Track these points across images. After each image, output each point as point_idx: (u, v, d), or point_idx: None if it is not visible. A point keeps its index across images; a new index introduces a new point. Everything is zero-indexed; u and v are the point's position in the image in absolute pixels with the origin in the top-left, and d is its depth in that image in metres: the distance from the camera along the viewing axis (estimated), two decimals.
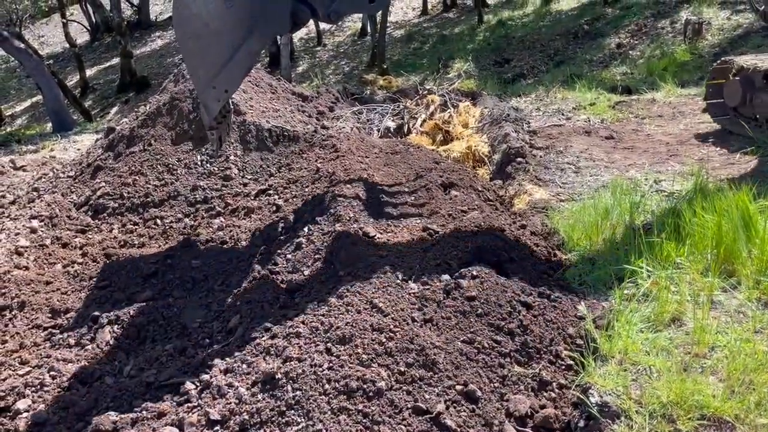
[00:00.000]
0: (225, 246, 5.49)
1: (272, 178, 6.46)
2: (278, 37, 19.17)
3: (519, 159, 7.57)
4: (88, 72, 25.36)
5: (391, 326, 3.56)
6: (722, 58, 8.00)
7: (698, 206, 4.94)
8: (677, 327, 3.77)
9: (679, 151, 7.50)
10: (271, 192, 6.22)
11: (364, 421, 3.04)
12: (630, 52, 14.72)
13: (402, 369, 3.31)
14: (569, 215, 5.52)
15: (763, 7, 7.33)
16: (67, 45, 24.09)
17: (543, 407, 3.29)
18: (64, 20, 22.52)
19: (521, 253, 4.65)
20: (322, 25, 23.57)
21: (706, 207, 4.86)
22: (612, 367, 3.44)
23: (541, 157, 7.74)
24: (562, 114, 10.50)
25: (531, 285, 4.15)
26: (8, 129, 21.02)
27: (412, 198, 5.63)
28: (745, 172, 6.20)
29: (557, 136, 8.72)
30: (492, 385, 3.38)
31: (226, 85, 4.94)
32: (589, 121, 9.80)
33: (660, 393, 3.14)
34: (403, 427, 3.04)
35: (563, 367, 3.58)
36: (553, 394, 3.40)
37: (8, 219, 6.82)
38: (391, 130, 9.99)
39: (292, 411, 3.08)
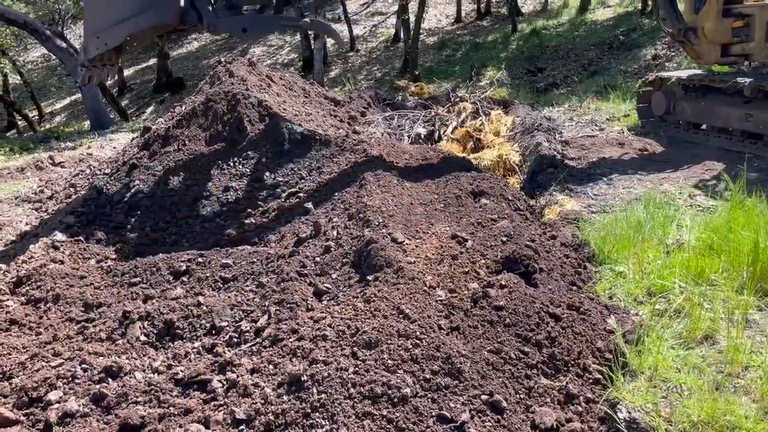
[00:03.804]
0: (255, 246, 5.55)
1: (303, 181, 6.51)
2: (312, 41, 19.37)
3: (551, 169, 7.51)
4: (126, 72, 25.89)
5: (418, 333, 3.56)
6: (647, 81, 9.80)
7: (734, 222, 4.84)
8: (710, 345, 3.70)
9: (716, 165, 7.37)
10: (301, 195, 6.26)
11: (388, 426, 3.04)
12: (666, 63, 14.48)
13: (427, 376, 3.30)
14: (600, 227, 5.46)
15: (670, 30, 8.71)
16: None
17: (569, 421, 3.25)
18: None
19: (551, 263, 4.61)
20: (356, 31, 23.71)
21: (743, 223, 4.77)
22: (641, 383, 3.39)
23: (573, 167, 7.67)
24: (596, 125, 10.39)
25: (560, 296, 4.10)
26: (48, 126, 21.57)
27: (442, 205, 5.62)
28: None
29: (590, 147, 8.63)
30: (518, 396, 3.35)
31: (107, 40, 6.44)
32: (623, 132, 9.68)
33: (691, 411, 3.08)
34: None
35: (591, 380, 3.53)
36: (580, 408, 3.35)
37: (46, 213, 7.00)
38: (422, 136, 9.99)
39: (317, 414, 3.10)
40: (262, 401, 3.26)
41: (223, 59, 9.40)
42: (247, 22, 6.61)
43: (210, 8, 6.45)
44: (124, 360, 3.99)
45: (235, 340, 4.04)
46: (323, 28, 7.24)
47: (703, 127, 8.76)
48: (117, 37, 6.42)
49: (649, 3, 18.08)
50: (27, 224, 6.89)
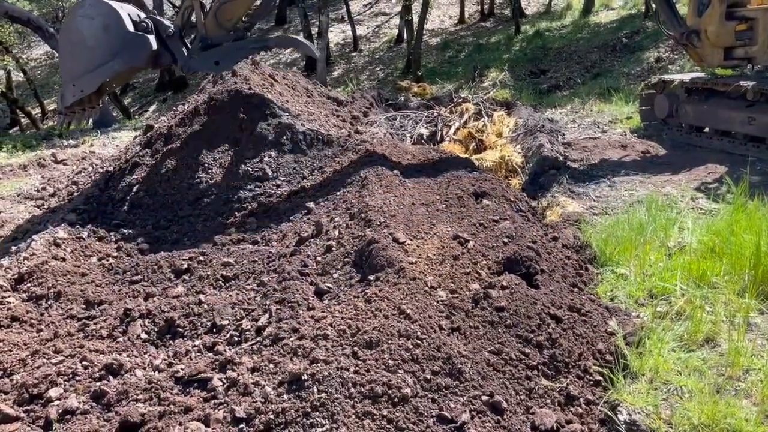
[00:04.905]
0: (256, 245, 5.55)
1: (305, 180, 6.52)
2: (315, 41, 19.38)
3: (553, 170, 7.51)
4: None
5: (419, 333, 3.56)
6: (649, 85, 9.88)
7: (736, 225, 4.84)
8: (711, 348, 3.70)
9: (718, 168, 7.36)
10: (303, 194, 6.27)
11: (388, 426, 3.04)
12: (669, 66, 14.48)
13: (428, 376, 3.30)
14: (602, 229, 5.46)
15: (672, 32, 8.79)
16: None
17: (569, 422, 3.24)
18: None
19: (552, 265, 4.60)
20: (359, 31, 23.72)
21: (745, 226, 4.76)
22: (642, 385, 3.39)
23: (575, 169, 7.67)
24: (598, 127, 10.39)
25: (561, 298, 4.10)
26: (50, 123, 21.58)
27: (443, 205, 5.61)
28: None
29: (592, 149, 8.63)
30: (518, 397, 3.35)
31: (83, 86, 6.60)
32: (626, 134, 9.69)
33: (691, 414, 3.08)
34: None
35: (591, 382, 3.53)
36: (580, 410, 3.35)
37: (48, 211, 7.00)
38: (425, 137, 9.99)
39: (317, 413, 3.10)
40: (263, 400, 3.26)
41: None
42: (219, 54, 6.92)
43: (184, 50, 6.86)
44: (124, 357, 3.99)
45: (236, 338, 4.04)
46: (293, 42, 7.41)
47: (706, 130, 8.77)
48: (92, 83, 6.63)
49: (652, 6, 18.08)
50: (29, 221, 6.89)
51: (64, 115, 7.05)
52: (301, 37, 7.73)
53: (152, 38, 6.59)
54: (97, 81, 6.64)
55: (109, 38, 6.46)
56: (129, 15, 6.56)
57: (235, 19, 7.00)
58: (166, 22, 6.78)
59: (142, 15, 6.71)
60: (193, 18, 7.14)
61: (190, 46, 7.03)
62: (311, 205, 5.95)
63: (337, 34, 24.60)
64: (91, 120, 15.58)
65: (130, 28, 6.48)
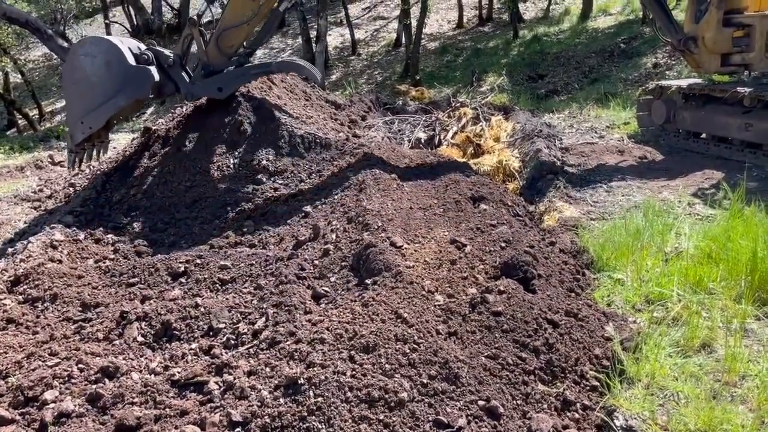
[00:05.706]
0: (253, 249, 5.54)
1: (302, 183, 6.51)
2: (313, 45, 19.42)
3: (550, 175, 7.52)
4: None
5: (416, 337, 3.55)
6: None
7: (733, 231, 4.85)
8: (707, 353, 3.70)
9: (715, 174, 7.38)
10: (300, 197, 6.26)
11: (384, 431, 3.03)
12: (667, 72, 14.51)
13: (425, 381, 3.30)
14: (599, 234, 5.46)
15: (669, 39, 8.84)
16: None
17: (566, 427, 3.24)
18: (107, 21, 23.04)
19: (549, 270, 4.60)
20: (358, 35, 23.75)
21: (742, 232, 4.77)
22: (638, 391, 3.39)
23: (572, 174, 7.68)
24: (596, 132, 10.42)
25: (558, 303, 4.10)
26: (48, 125, 21.55)
27: (441, 209, 5.62)
28: None
29: (590, 154, 8.65)
30: (515, 402, 3.35)
31: (91, 123, 6.76)
32: (623, 140, 9.71)
33: (688, 420, 3.08)
34: None
35: (588, 387, 3.53)
36: (577, 415, 3.35)
37: (45, 212, 6.99)
38: (422, 141, 10.00)
39: (314, 417, 3.09)
40: (259, 404, 3.26)
41: None
42: (222, 81, 7.06)
43: (186, 77, 7.04)
44: (120, 360, 3.98)
45: (233, 342, 4.03)
46: (294, 66, 7.44)
47: (703, 136, 8.81)
48: (100, 120, 6.77)
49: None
50: (26, 223, 6.88)
51: (75, 153, 7.11)
52: (302, 60, 7.70)
53: (154, 70, 6.72)
54: (104, 117, 6.77)
55: (112, 74, 6.60)
56: (129, 49, 6.68)
57: (236, 45, 7.09)
58: (167, 52, 6.92)
59: (143, 47, 6.84)
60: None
61: (192, 74, 7.14)
62: (309, 208, 5.95)
63: (336, 38, 24.61)
64: None
65: (132, 62, 6.62)
